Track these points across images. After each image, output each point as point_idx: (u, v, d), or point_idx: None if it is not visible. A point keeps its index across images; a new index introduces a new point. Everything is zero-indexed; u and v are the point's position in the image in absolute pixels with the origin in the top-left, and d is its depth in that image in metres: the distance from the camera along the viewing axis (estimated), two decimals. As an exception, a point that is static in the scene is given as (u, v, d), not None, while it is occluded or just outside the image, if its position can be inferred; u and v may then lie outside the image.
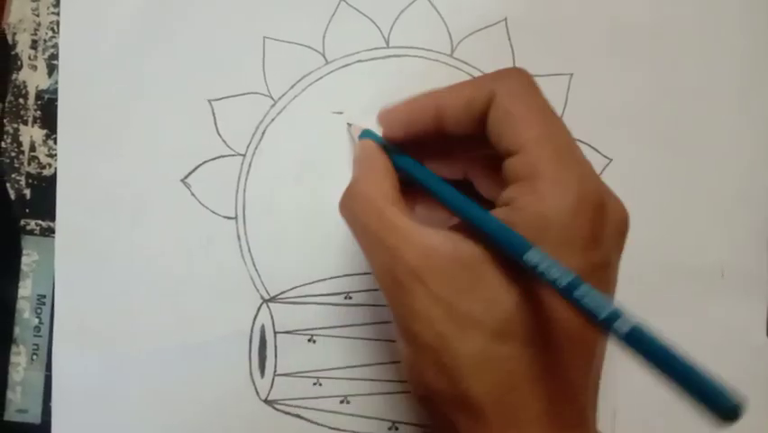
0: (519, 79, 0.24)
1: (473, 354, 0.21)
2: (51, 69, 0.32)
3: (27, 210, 0.32)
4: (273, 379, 0.31)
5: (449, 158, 0.27)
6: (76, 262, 0.32)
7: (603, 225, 0.22)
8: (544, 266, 0.20)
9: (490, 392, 0.21)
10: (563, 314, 0.21)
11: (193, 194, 0.32)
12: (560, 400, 0.22)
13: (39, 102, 0.32)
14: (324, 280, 0.32)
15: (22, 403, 0.32)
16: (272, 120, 0.32)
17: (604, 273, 0.22)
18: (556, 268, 0.20)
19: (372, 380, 0.32)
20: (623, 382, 0.31)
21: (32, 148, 0.32)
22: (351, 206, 0.25)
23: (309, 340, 0.32)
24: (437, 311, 0.22)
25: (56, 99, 0.32)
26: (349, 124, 0.31)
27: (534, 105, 0.23)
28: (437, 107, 0.25)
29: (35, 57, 0.32)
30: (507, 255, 0.21)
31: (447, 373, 0.22)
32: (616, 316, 0.18)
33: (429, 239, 0.22)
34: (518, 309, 0.21)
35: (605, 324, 0.18)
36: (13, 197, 0.32)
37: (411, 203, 0.28)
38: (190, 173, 0.32)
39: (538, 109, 0.23)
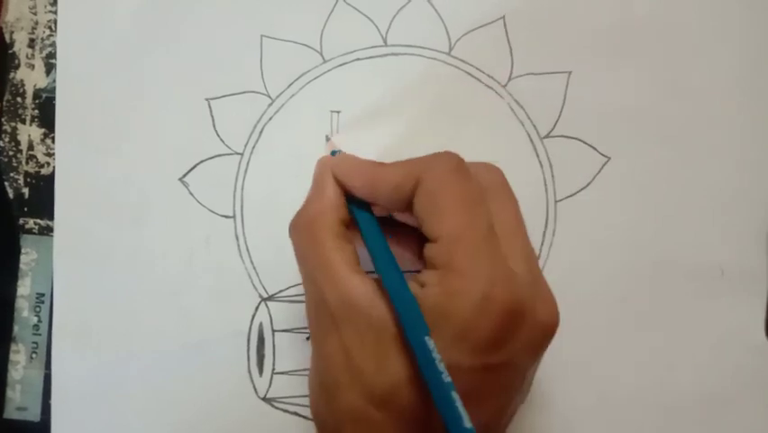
0: (447, 165, 0.23)
1: (351, 410, 0.22)
2: (49, 67, 0.32)
3: (25, 209, 0.32)
4: (271, 377, 0.31)
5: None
6: (74, 261, 0.32)
7: (512, 328, 0.21)
8: (426, 359, 0.20)
9: None
10: None
11: (191, 193, 0.32)
12: None
13: (36, 101, 0.32)
14: (323, 278, 0.32)
15: (21, 401, 0.32)
16: (270, 119, 0.32)
17: (503, 375, 0.22)
18: (436, 365, 0.20)
19: (371, 378, 0.32)
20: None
21: (30, 147, 0.32)
22: (296, 232, 0.25)
23: (307, 338, 0.32)
24: (339, 358, 0.22)
25: (54, 98, 0.32)
26: (327, 138, 0.31)
27: (457, 194, 0.22)
28: (371, 187, 0.25)
29: (33, 56, 0.32)
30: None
31: (329, 413, 0.23)
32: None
33: (352, 288, 0.23)
34: (406, 384, 0.21)
35: None
36: (11, 195, 0.32)
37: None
38: (188, 172, 0.32)
39: (461, 199, 0.22)
